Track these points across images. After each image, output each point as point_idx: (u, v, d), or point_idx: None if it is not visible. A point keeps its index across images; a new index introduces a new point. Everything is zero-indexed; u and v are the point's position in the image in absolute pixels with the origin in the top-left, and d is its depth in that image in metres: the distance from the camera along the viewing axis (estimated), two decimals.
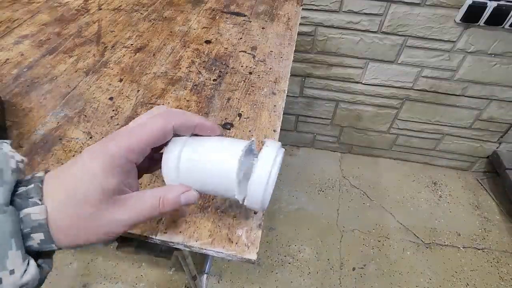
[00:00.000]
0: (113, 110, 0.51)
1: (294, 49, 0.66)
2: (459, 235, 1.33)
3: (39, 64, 0.59)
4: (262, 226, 0.37)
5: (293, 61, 0.64)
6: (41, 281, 0.22)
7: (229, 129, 0.49)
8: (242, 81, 0.57)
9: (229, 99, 0.54)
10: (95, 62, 0.60)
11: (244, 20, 0.74)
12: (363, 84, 1.31)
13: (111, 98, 0.53)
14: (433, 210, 1.41)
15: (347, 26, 1.14)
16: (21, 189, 0.22)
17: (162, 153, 0.27)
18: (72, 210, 0.22)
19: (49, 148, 0.45)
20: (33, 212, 0.21)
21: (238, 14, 0.76)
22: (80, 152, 0.36)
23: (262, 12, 0.77)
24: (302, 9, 0.91)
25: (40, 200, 0.22)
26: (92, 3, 0.78)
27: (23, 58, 0.60)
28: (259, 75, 0.59)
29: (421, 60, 1.18)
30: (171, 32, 0.69)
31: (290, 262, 1.23)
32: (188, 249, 0.36)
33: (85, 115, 0.50)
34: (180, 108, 0.51)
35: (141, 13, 0.75)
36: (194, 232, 0.36)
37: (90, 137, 0.47)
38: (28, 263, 0.21)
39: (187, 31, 0.69)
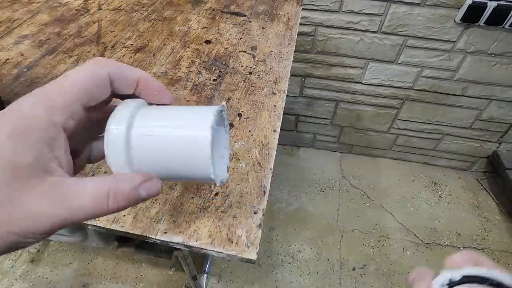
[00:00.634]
0: None
1: (294, 49, 0.66)
2: (459, 235, 1.33)
3: (39, 64, 0.59)
4: (262, 226, 0.37)
5: (293, 61, 0.64)
6: None
7: (229, 129, 0.49)
8: (242, 81, 0.57)
9: (229, 99, 0.54)
10: None
11: (244, 20, 0.74)
12: (363, 84, 1.31)
13: None
14: (433, 210, 1.41)
15: (347, 26, 1.14)
16: None
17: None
18: None
19: None
20: None
21: (238, 14, 0.76)
22: None
23: (262, 12, 0.77)
24: (302, 9, 0.91)
25: None
26: (92, 3, 0.78)
27: (23, 58, 0.60)
28: (259, 75, 0.59)
29: (421, 60, 1.18)
30: (171, 32, 0.69)
31: (290, 262, 1.23)
32: (188, 249, 0.36)
33: None
34: None
35: (141, 13, 0.75)
36: (194, 232, 0.36)
37: None
38: None
39: (187, 31, 0.70)
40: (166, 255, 0.82)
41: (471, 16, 1.02)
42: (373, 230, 1.34)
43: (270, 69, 0.60)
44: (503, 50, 1.10)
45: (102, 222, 0.37)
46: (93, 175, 0.43)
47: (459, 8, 1.02)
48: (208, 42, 0.67)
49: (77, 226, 0.73)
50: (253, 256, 0.35)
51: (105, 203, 0.18)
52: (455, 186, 1.51)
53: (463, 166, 1.56)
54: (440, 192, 1.48)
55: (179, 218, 0.37)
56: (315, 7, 1.11)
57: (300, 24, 0.88)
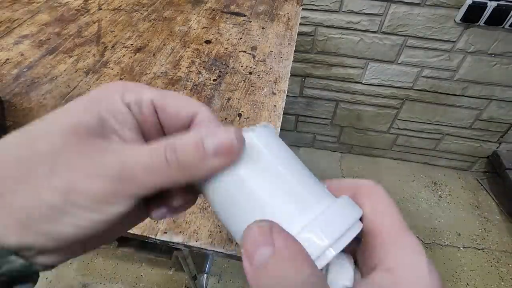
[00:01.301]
0: None
1: (294, 49, 0.66)
2: (459, 235, 1.33)
3: (39, 64, 0.59)
4: None
5: (293, 61, 0.64)
6: None
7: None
8: (242, 81, 0.57)
9: (229, 99, 0.54)
10: (95, 62, 0.60)
11: (244, 20, 0.74)
12: (363, 84, 1.31)
13: None
14: (433, 210, 1.41)
15: (347, 26, 1.14)
16: None
17: None
18: (15, 151, 0.14)
19: None
20: None
21: (238, 14, 0.76)
22: None
23: (262, 12, 0.77)
24: (302, 9, 0.91)
25: None
26: (92, 3, 0.78)
27: (23, 58, 0.60)
28: (259, 75, 0.59)
29: (421, 60, 1.18)
30: (171, 32, 0.69)
31: None
32: (188, 249, 0.36)
33: None
34: None
35: (141, 13, 0.75)
36: (194, 232, 0.36)
37: None
38: None
39: (187, 31, 0.69)
40: (166, 255, 0.82)
41: (471, 16, 1.01)
42: None
43: (270, 69, 0.60)
44: (503, 50, 1.10)
45: None
46: None
47: (459, 8, 1.02)
48: (208, 42, 0.67)
49: None
50: None
51: (162, 153, 0.15)
52: (455, 186, 1.51)
53: (463, 166, 1.56)
54: (440, 192, 1.48)
55: (179, 218, 0.37)
56: (315, 7, 1.11)
57: (300, 24, 0.88)
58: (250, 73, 0.59)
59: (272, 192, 0.16)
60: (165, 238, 0.36)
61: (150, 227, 0.37)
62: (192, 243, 0.35)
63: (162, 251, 0.82)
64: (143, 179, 0.14)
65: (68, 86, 0.55)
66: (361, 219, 0.17)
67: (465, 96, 1.27)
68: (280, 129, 0.49)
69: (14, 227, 0.13)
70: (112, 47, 0.64)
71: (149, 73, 0.58)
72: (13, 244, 0.13)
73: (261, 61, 0.62)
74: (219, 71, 0.59)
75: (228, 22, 0.73)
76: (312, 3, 1.10)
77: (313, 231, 0.15)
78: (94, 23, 0.71)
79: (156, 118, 0.18)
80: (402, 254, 0.15)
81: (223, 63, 0.61)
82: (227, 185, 0.16)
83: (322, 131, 1.55)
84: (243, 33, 0.69)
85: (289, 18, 0.75)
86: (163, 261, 1.17)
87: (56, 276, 1.16)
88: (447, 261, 1.25)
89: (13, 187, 0.13)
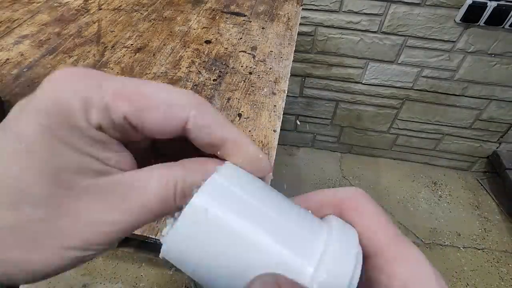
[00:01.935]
0: None
1: (294, 49, 0.66)
2: (459, 235, 1.33)
3: (39, 64, 0.59)
4: None
5: (293, 61, 0.64)
6: None
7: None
8: (242, 81, 0.57)
9: (229, 99, 0.54)
10: (95, 62, 0.60)
11: (244, 20, 0.74)
12: (363, 84, 1.31)
13: None
14: (433, 210, 1.41)
15: (347, 26, 1.14)
16: None
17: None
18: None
19: None
20: None
21: (238, 14, 0.76)
22: None
23: (262, 12, 0.77)
24: (302, 9, 0.91)
25: None
26: (92, 3, 0.78)
27: (23, 58, 0.60)
28: (259, 75, 0.59)
29: (421, 60, 1.18)
30: (171, 32, 0.69)
31: None
32: None
33: None
34: None
35: (141, 13, 0.75)
36: None
37: None
38: None
39: (187, 31, 0.69)
40: None
41: (471, 16, 1.02)
42: None
43: (270, 69, 0.60)
44: (503, 50, 1.10)
45: None
46: None
47: (459, 8, 1.02)
48: (208, 42, 0.67)
49: None
50: None
51: (172, 198, 0.14)
52: (455, 186, 1.51)
53: (463, 166, 1.56)
54: (440, 192, 1.48)
55: None
56: (315, 7, 1.11)
57: (300, 24, 0.88)
58: (250, 73, 0.59)
59: (262, 235, 0.14)
60: None
61: (150, 227, 0.37)
62: None
63: None
64: (152, 221, 0.14)
65: None
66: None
67: (465, 96, 1.27)
68: (280, 129, 0.49)
69: (31, 280, 0.13)
70: (112, 47, 0.64)
71: (149, 73, 0.58)
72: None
73: (261, 61, 0.62)
74: (219, 71, 0.59)
75: (228, 22, 0.73)
76: (312, 3, 1.10)
77: (325, 276, 0.13)
78: (94, 23, 0.71)
79: (137, 132, 0.15)
80: (409, 268, 0.15)
81: (223, 63, 0.61)
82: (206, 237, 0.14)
83: (322, 131, 1.55)
84: (243, 33, 0.69)
85: (289, 18, 0.75)
86: (163, 261, 1.17)
87: (56, 276, 1.15)
88: (447, 261, 1.25)
89: (26, 257, 0.12)
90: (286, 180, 1.49)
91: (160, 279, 1.16)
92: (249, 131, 0.48)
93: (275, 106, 0.53)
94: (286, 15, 0.76)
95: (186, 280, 1.15)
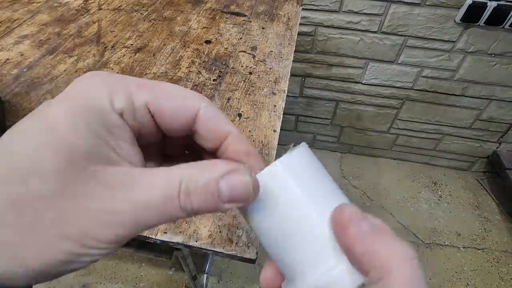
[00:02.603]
0: None
1: (294, 49, 0.66)
2: (459, 235, 1.33)
3: (39, 64, 0.59)
4: None
5: (293, 61, 0.64)
6: None
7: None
8: (242, 81, 0.57)
9: (229, 99, 0.54)
10: (95, 62, 0.60)
11: (244, 20, 0.74)
12: (363, 84, 1.31)
13: None
14: (433, 210, 1.41)
15: (347, 26, 1.14)
16: None
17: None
18: (6, 191, 0.12)
19: None
20: None
21: (238, 14, 0.76)
22: None
23: (262, 12, 0.77)
24: (302, 9, 0.91)
25: None
26: (92, 3, 0.78)
27: (23, 58, 0.60)
28: (259, 75, 0.59)
29: (421, 60, 1.18)
30: (171, 32, 0.69)
31: None
32: (188, 249, 0.36)
33: None
34: None
35: (141, 13, 0.75)
36: (194, 232, 0.36)
37: None
38: None
39: (187, 31, 0.70)
40: (166, 255, 0.82)
41: (471, 16, 1.01)
42: None
43: (270, 69, 0.60)
44: (503, 50, 1.10)
45: None
46: None
47: (459, 8, 1.02)
48: (208, 42, 0.67)
49: None
50: (253, 256, 0.35)
51: (176, 196, 0.14)
52: (455, 186, 1.51)
53: (463, 166, 1.56)
54: (440, 192, 1.48)
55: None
56: (315, 7, 1.11)
57: (300, 24, 0.88)
58: (250, 73, 0.59)
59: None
60: (165, 238, 0.36)
61: None
62: (192, 243, 0.35)
63: (162, 251, 0.82)
64: (155, 222, 0.14)
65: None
66: None
67: (465, 96, 1.27)
68: (280, 129, 0.49)
69: (26, 277, 0.12)
70: (112, 47, 0.64)
71: (149, 73, 0.58)
72: (20, 285, 0.13)
73: (261, 61, 0.62)
74: (219, 71, 0.59)
75: (228, 22, 0.73)
76: (312, 3, 1.10)
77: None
78: (94, 23, 0.71)
79: (153, 122, 0.16)
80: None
81: (223, 63, 0.61)
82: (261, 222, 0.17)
83: (322, 131, 1.55)
84: (243, 33, 0.69)
85: (289, 18, 0.75)
86: (163, 261, 1.17)
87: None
88: (447, 261, 1.25)
89: (19, 240, 0.12)
90: None
91: (160, 279, 1.16)
92: (249, 131, 0.48)
93: (275, 106, 0.53)
94: (286, 15, 0.76)
95: (186, 280, 1.15)
